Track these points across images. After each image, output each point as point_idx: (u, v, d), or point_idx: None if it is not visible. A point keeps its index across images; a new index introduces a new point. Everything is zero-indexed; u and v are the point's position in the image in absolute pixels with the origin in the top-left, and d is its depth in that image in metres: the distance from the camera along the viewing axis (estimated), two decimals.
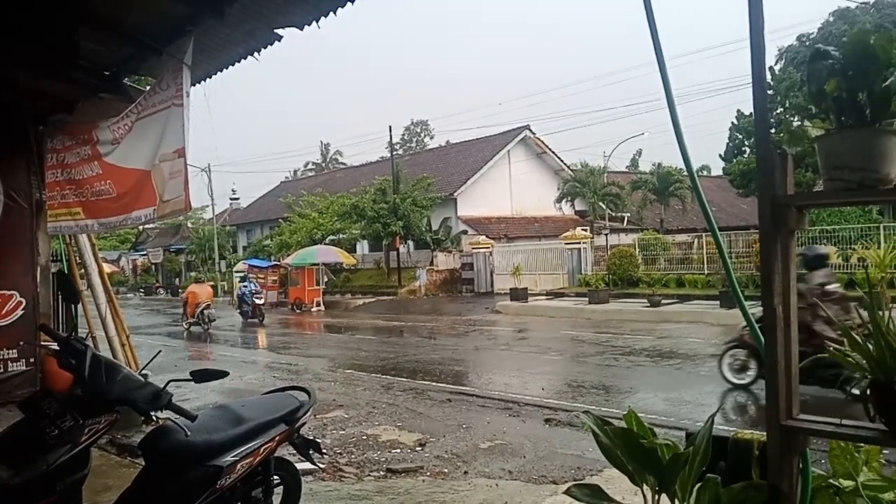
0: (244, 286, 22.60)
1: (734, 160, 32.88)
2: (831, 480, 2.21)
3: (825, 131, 2.11)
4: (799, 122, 2.29)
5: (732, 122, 33.92)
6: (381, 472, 5.56)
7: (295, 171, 65.97)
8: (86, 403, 2.70)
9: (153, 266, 50.69)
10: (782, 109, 28.44)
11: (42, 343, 6.14)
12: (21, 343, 6.32)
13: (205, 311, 18.92)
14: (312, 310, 25.60)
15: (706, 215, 2.49)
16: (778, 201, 2.08)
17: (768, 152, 2.16)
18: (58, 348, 2.95)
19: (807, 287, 7.65)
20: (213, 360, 13.58)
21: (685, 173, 35.22)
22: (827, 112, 2.12)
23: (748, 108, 33.57)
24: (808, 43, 32.79)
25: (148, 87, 5.24)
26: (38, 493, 2.52)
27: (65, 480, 2.60)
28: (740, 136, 33.45)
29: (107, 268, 7.59)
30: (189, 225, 51.16)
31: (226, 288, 36.90)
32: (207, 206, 45.62)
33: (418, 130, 70.81)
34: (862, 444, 2.23)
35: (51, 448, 2.56)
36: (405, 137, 68.91)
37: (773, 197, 2.10)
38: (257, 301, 21.72)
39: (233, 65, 5.49)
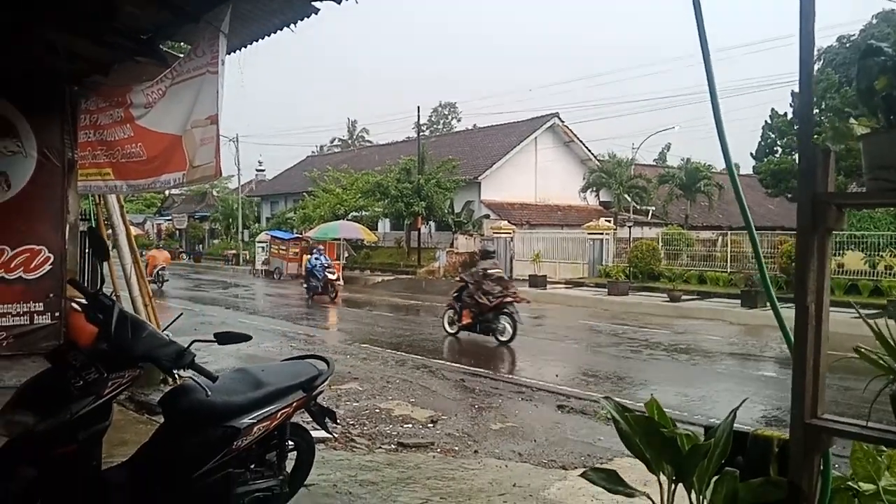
0: (315, 258, 20.29)
1: (765, 159, 32.35)
2: (851, 483, 2.18)
3: (871, 129, 2.06)
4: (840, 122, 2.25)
5: (766, 121, 33.34)
6: (393, 446, 5.61)
7: (321, 147, 66.11)
8: (111, 358, 2.75)
9: (177, 231, 51.29)
10: (818, 111, 27.88)
11: (69, 297, 6.26)
12: (50, 296, 6.44)
13: (160, 272, 21.74)
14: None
15: (744, 214, 2.44)
16: (819, 199, 2.04)
17: (811, 148, 2.12)
18: (86, 302, 2.99)
19: (474, 269, 12.40)
20: (231, 327, 13.74)
21: (714, 170, 34.85)
22: (875, 110, 2.07)
23: (782, 108, 33.04)
24: (848, 45, 32.05)
25: (183, 54, 5.26)
26: (60, 441, 2.57)
27: (87, 430, 2.65)
28: (773, 136, 32.89)
29: (132, 230, 7.70)
30: (215, 193, 51.68)
31: (247, 257, 37.23)
32: (233, 175, 46.05)
33: (446, 112, 70.47)
34: (885, 448, 2.20)
35: (75, 399, 2.60)
36: (432, 119, 68.64)
37: (814, 194, 2.06)
38: (330, 276, 19.69)
39: (268, 35, 5.48)
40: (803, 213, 2.07)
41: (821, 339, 2.07)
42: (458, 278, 13.24)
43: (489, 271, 12.00)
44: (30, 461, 2.56)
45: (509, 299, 11.60)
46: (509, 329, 11.43)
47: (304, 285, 20.36)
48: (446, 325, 12.43)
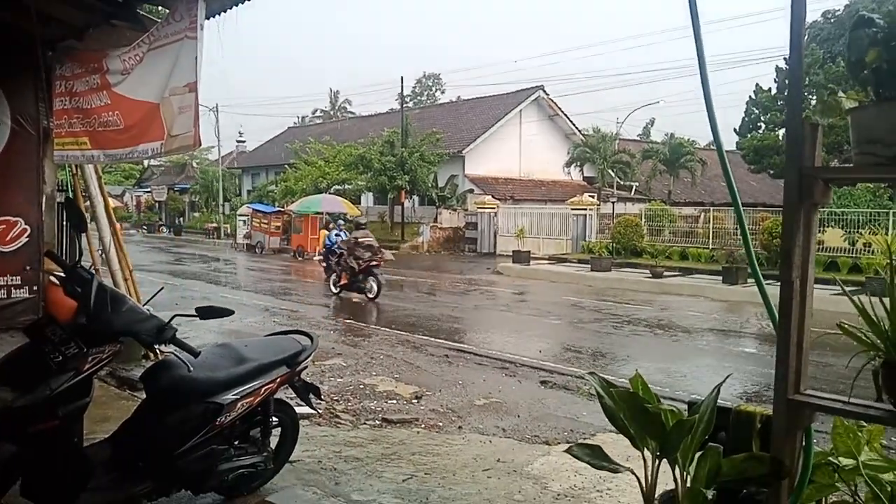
0: (335, 234, 17.24)
1: (749, 135, 32.48)
2: (832, 458, 2.20)
3: (860, 103, 2.05)
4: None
5: (749, 97, 33.42)
6: (377, 422, 5.62)
7: (303, 118, 65.39)
8: (90, 332, 2.70)
9: (157, 204, 50.67)
10: (802, 87, 27.96)
11: (47, 270, 6.15)
12: (27, 269, 6.33)
13: None
14: (314, 258, 25.63)
15: (731, 191, 2.42)
16: (806, 172, 2.03)
17: (799, 122, 2.10)
18: (63, 276, 2.93)
19: (349, 238, 14.97)
20: (212, 302, 13.64)
21: (697, 145, 34.96)
22: (864, 83, 2.05)
23: (766, 83, 33.09)
24: (832, 20, 32.10)
25: (161, 18, 5.12)
26: (40, 417, 2.53)
27: (67, 406, 2.61)
28: (757, 111, 33.00)
29: (111, 202, 7.56)
30: (194, 165, 50.98)
31: (228, 231, 36.93)
32: (214, 147, 45.40)
33: (430, 84, 69.86)
34: (865, 424, 2.23)
35: (54, 374, 2.56)
36: (416, 90, 68.03)
37: (800, 168, 2.05)
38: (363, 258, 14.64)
39: (248, 0, 5.35)
40: (790, 188, 2.06)
41: (805, 314, 2.08)
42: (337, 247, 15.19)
43: (360, 240, 14.29)
44: (8, 437, 2.52)
45: (374, 263, 13.94)
46: (374, 288, 13.79)
47: (323, 264, 16.39)
48: (332, 286, 14.82)
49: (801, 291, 2.06)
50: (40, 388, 2.52)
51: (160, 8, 5.81)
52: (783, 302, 2.06)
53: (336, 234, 17.37)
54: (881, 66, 1.96)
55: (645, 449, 2.17)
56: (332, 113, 66.97)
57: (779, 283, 2.05)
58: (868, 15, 2.02)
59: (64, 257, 6.52)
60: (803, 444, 2.08)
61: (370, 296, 13.77)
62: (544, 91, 35.71)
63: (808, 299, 2.08)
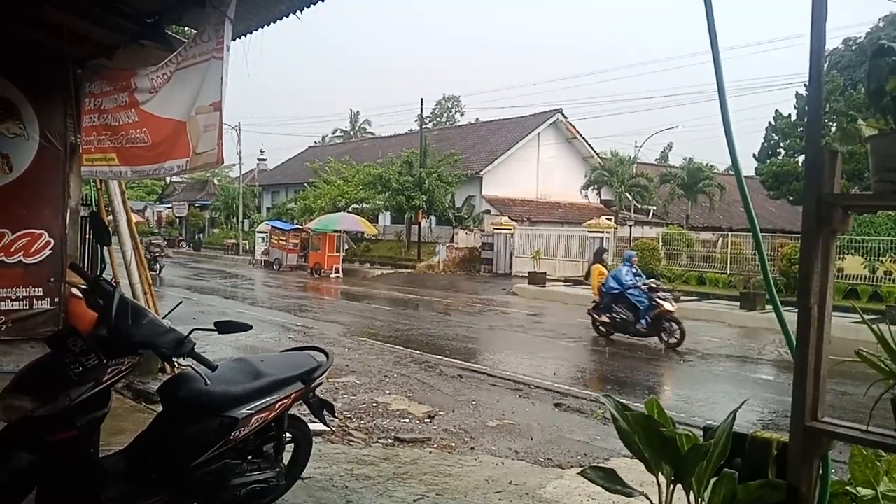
0: (626, 271, 12.86)
1: (768, 161, 32.31)
2: (849, 488, 2.18)
3: (880, 131, 2.05)
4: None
5: (770, 122, 33.28)
6: (389, 440, 5.61)
7: (323, 137, 66.00)
8: (110, 344, 2.74)
9: (178, 219, 51.23)
10: (822, 113, 27.81)
11: (70, 282, 6.25)
12: (50, 280, 6.43)
13: None
14: (331, 276, 25.77)
15: (750, 216, 2.42)
16: (824, 199, 2.03)
17: (818, 149, 2.10)
18: (86, 287, 2.98)
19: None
20: (230, 317, 13.73)
21: (716, 170, 34.80)
22: (884, 111, 2.05)
23: (786, 109, 32.96)
24: (853, 48, 31.99)
25: (189, 39, 5.24)
26: (58, 427, 2.56)
27: (85, 417, 2.64)
28: (776, 137, 32.84)
29: (133, 217, 7.68)
30: (216, 182, 51.60)
31: (247, 247, 37.21)
32: (235, 164, 45.97)
33: (449, 106, 70.31)
34: (884, 454, 2.20)
35: (74, 384, 2.59)
36: (435, 112, 68.53)
37: (819, 195, 2.05)
38: (663, 304, 11.88)
39: (274, 22, 5.47)
40: (808, 215, 2.06)
41: (822, 341, 2.06)
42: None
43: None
44: (28, 446, 2.55)
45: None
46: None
47: (600, 313, 12.76)
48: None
49: (818, 318, 2.05)
50: (60, 398, 2.55)
51: (188, 29, 5.94)
52: (801, 328, 2.06)
53: (627, 273, 12.72)
54: None
55: (660, 473, 2.16)
56: (352, 133, 67.54)
57: (797, 310, 2.04)
58: (888, 44, 2.03)
59: (86, 270, 6.63)
60: (820, 472, 2.06)
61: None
62: (563, 114, 35.82)
63: (825, 326, 2.07)
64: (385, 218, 35.43)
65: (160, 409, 3.20)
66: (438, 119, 67.46)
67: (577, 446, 5.85)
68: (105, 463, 2.91)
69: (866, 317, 2.36)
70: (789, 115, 32.47)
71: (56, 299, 6.51)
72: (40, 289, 6.42)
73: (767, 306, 16.49)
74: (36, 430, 2.55)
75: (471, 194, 32.24)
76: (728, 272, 21.87)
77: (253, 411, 3.12)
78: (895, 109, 2.00)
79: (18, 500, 2.60)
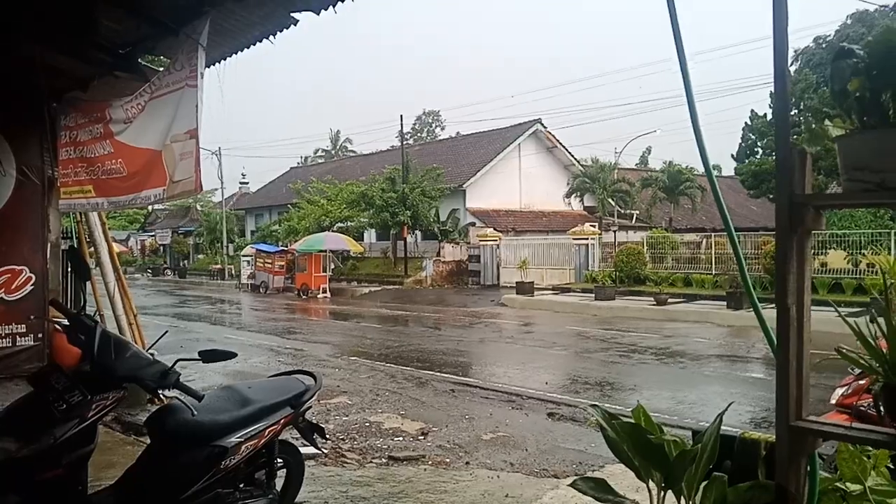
0: None
1: (746, 160, 32.68)
2: (838, 484, 2.19)
3: (846, 131, 2.09)
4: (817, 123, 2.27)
5: (746, 123, 33.69)
6: (384, 460, 5.58)
7: (305, 158, 65.94)
8: (94, 379, 2.71)
9: (161, 247, 50.90)
10: (797, 111, 28.23)
11: (51, 318, 6.18)
12: (31, 317, 6.36)
13: None
14: (319, 296, 25.67)
15: (723, 215, 2.46)
16: (796, 200, 2.06)
17: (788, 150, 2.14)
18: (67, 324, 2.96)
19: None
20: (216, 343, 13.64)
21: (696, 172, 35.13)
22: (849, 111, 2.09)
23: (761, 109, 33.42)
24: (824, 45, 32.48)
25: (163, 68, 5.24)
26: (44, 466, 2.53)
27: (71, 454, 2.61)
28: (753, 137, 33.24)
29: (115, 247, 7.63)
30: (198, 207, 51.33)
31: (232, 272, 37.01)
32: (217, 189, 45.76)
33: (429, 121, 70.59)
34: (871, 449, 2.22)
35: (58, 422, 2.57)
36: (416, 127, 68.75)
37: (791, 196, 2.08)
38: None
39: (248, 47, 5.48)
40: (781, 215, 2.09)
41: (803, 340, 2.09)
42: None
43: None
44: (14, 488, 2.51)
45: None
46: None
47: None
48: None
49: (797, 317, 2.08)
50: (44, 437, 2.52)
51: (161, 58, 5.94)
52: (780, 328, 2.08)
53: None
54: (864, 95, 2.01)
55: (650, 480, 2.16)
56: (333, 152, 67.55)
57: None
58: (848, 46, 2.08)
59: (69, 304, 6.57)
60: (808, 470, 2.07)
61: None
62: (542, 124, 36.08)
63: (805, 325, 2.09)
64: (370, 235, 35.40)
65: (149, 441, 3.17)
66: (419, 134, 67.64)
67: (573, 455, 5.85)
68: (94, 499, 2.88)
69: (853, 309, 2.39)
70: (764, 114, 32.91)
71: (40, 335, 6.45)
72: (23, 325, 6.36)
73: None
74: (21, 471, 2.51)
75: (455, 207, 32.32)
76: (713, 272, 22.02)
77: (242, 439, 3.09)
78: (859, 109, 2.04)
79: None
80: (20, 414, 2.67)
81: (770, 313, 2.30)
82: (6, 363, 6.22)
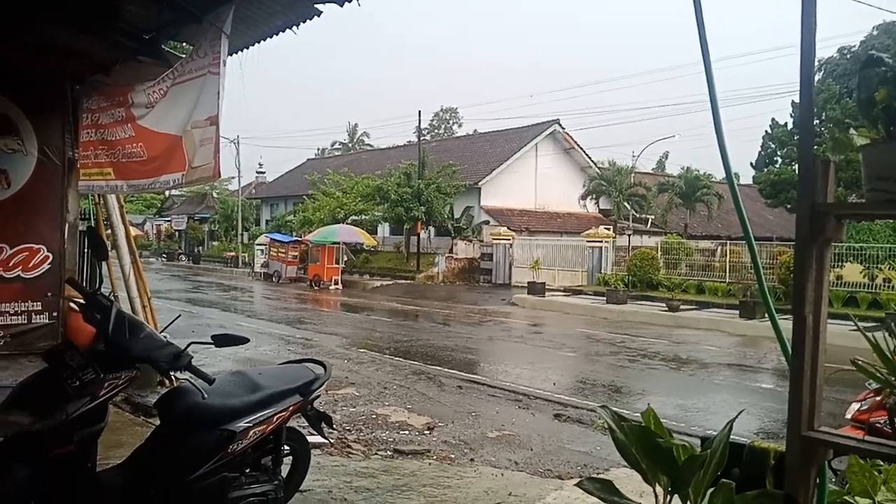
0: None
1: (765, 169, 32.41)
2: (847, 497, 2.17)
3: (871, 140, 2.07)
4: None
5: (766, 131, 33.40)
6: (389, 452, 5.60)
7: (322, 150, 66.13)
8: (107, 358, 2.74)
9: (176, 233, 51.30)
10: (818, 122, 27.95)
11: (67, 297, 6.25)
12: (48, 295, 6.43)
13: None
14: (330, 287, 25.77)
15: (743, 224, 2.44)
16: (818, 209, 2.04)
17: (811, 158, 2.12)
18: (83, 302, 2.98)
19: None
20: (228, 330, 13.72)
21: (714, 179, 34.88)
22: (875, 121, 2.07)
23: (782, 118, 33.10)
24: (848, 56, 32.13)
25: (185, 54, 5.27)
26: (56, 442, 2.55)
27: (82, 431, 2.64)
28: (773, 146, 32.95)
29: (132, 231, 7.68)
30: (215, 195, 51.69)
31: (246, 259, 37.22)
32: (234, 177, 46.07)
33: (447, 117, 70.54)
34: (882, 463, 2.20)
35: (71, 399, 2.59)
36: (433, 123, 68.71)
37: (812, 204, 2.06)
38: None
39: (270, 37, 5.50)
40: (802, 224, 2.07)
41: (818, 350, 2.07)
42: None
43: None
44: (25, 461, 2.54)
45: None
46: None
47: None
48: None
49: (814, 327, 2.06)
50: (57, 412, 2.55)
51: (185, 44, 5.98)
52: (796, 338, 2.06)
53: None
54: (891, 104, 1.98)
55: (657, 484, 2.15)
56: (350, 145, 67.70)
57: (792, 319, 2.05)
58: (877, 55, 2.05)
59: (84, 284, 6.63)
60: (817, 481, 2.05)
61: None
62: (560, 125, 35.95)
63: (821, 335, 2.07)
64: (384, 229, 35.47)
65: (158, 422, 3.19)
66: (437, 131, 67.63)
67: (577, 457, 5.84)
68: (103, 477, 2.90)
69: (866, 324, 2.37)
70: (785, 123, 32.62)
71: (55, 313, 6.52)
72: (39, 303, 6.43)
73: (767, 315, 16.48)
74: (33, 445, 2.54)
75: (469, 205, 32.30)
76: (727, 281, 21.88)
77: (251, 424, 3.11)
78: (886, 119, 2.01)
79: None
80: (34, 389, 2.70)
81: (785, 324, 2.28)
82: (21, 340, 6.30)
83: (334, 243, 26.80)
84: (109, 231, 7.11)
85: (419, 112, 34.53)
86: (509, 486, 4.73)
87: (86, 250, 7.17)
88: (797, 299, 2.06)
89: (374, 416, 6.80)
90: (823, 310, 2.09)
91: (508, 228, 29.83)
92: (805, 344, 2.04)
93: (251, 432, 3.12)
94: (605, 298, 20.40)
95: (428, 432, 6.35)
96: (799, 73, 2.13)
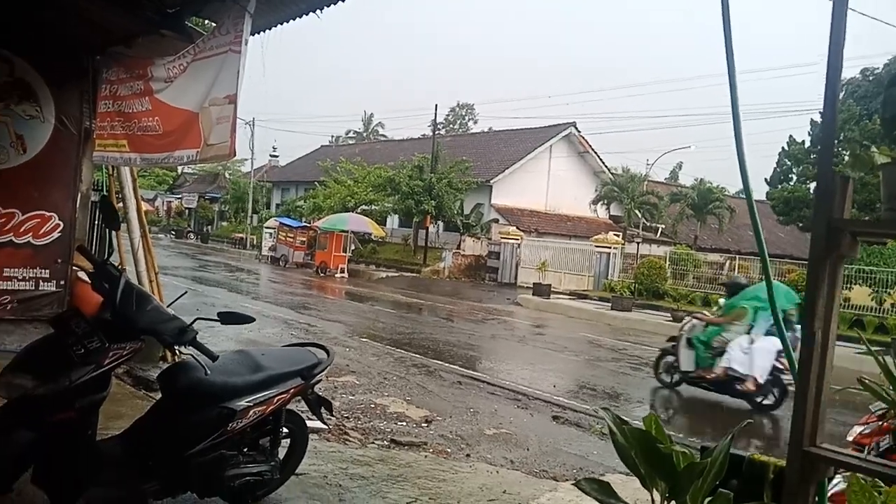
0: None
1: (779, 186, 32.24)
2: None
3: (892, 159, 2.05)
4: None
5: (783, 148, 33.26)
6: (386, 442, 5.60)
7: (336, 137, 66.18)
8: (113, 328, 2.75)
9: (186, 210, 51.51)
10: (836, 142, 27.74)
11: (76, 265, 6.28)
12: (58, 261, 6.46)
13: None
14: (336, 275, 25.82)
15: (759, 240, 2.42)
16: (834, 224, 2.02)
17: (830, 174, 2.10)
18: (93, 271, 3.00)
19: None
20: (233, 310, 13.76)
21: (726, 192, 34.75)
22: None
23: (800, 135, 32.89)
24: (871, 77, 31.90)
25: (207, 31, 5.27)
26: (58, 407, 2.57)
27: (84, 399, 2.65)
28: (789, 163, 32.81)
29: (143, 206, 7.72)
30: (227, 175, 51.83)
31: (254, 242, 37.32)
32: (247, 159, 46.19)
33: (463, 113, 70.46)
34: (882, 484, 2.18)
35: (75, 366, 2.61)
36: (449, 118, 68.66)
37: (829, 219, 2.04)
38: None
39: (294, 19, 5.49)
40: (817, 239, 2.05)
41: (825, 366, 2.05)
42: None
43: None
44: (27, 424, 2.56)
45: None
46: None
47: None
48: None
49: (822, 343, 2.04)
50: (61, 378, 2.57)
51: (207, 21, 5.98)
52: (804, 352, 2.05)
53: None
54: None
55: (654, 490, 2.15)
56: (364, 135, 67.75)
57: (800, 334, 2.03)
58: None
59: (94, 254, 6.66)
60: (816, 498, 2.04)
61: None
62: (576, 128, 35.85)
63: (829, 351, 2.06)
64: (393, 221, 35.51)
65: (159, 396, 3.21)
66: (452, 126, 67.57)
67: (573, 460, 5.83)
68: (102, 446, 2.92)
69: (874, 348, 2.35)
70: (803, 141, 32.44)
71: (62, 282, 6.54)
72: (47, 270, 6.45)
73: (775, 329, 16.39)
74: (36, 409, 2.56)
75: (480, 202, 32.29)
76: None
77: (251, 404, 3.13)
78: None
79: (16, 476, 2.62)
80: (39, 354, 2.72)
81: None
82: (27, 305, 6.33)
83: (343, 231, 26.85)
84: (121, 204, 7.13)
85: (435, 106, 34.52)
86: (504, 484, 4.73)
87: (97, 221, 7.20)
88: (807, 314, 2.05)
89: (372, 406, 6.81)
90: (833, 326, 2.07)
91: (517, 228, 29.80)
92: (812, 359, 2.03)
93: (251, 412, 3.13)
94: (609, 304, 20.35)
95: (425, 425, 6.36)
96: (824, 88, 2.11)
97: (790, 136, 33.07)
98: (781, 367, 8.19)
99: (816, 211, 2.10)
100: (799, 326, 10.19)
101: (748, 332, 8.75)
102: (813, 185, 29.29)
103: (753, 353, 8.38)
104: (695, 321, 9.65)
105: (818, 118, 29.60)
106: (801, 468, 1.99)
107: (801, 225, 31.10)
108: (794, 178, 32.62)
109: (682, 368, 9.11)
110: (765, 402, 8.42)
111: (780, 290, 8.93)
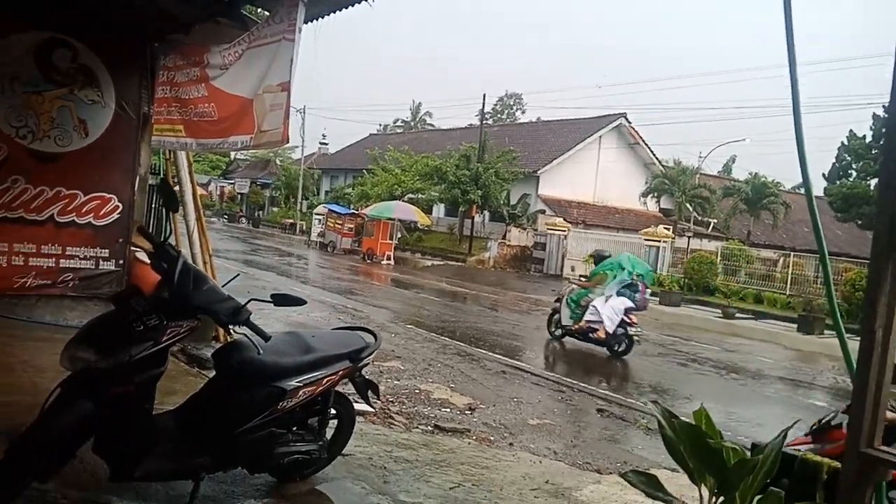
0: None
1: (838, 182, 31.10)
2: None
3: None
4: None
5: (843, 142, 32.00)
6: (430, 427, 5.66)
7: (384, 126, 66.52)
8: (171, 307, 2.84)
9: (239, 195, 52.54)
10: None
11: (135, 245, 6.49)
12: (118, 241, 6.69)
13: None
14: (382, 262, 26.05)
15: (818, 237, 2.36)
16: None
17: (894, 168, 2.02)
18: (152, 252, 3.10)
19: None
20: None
21: (781, 188, 33.71)
22: None
23: (861, 130, 31.63)
24: None
25: (261, 19, 5.35)
26: (117, 381, 2.68)
27: (142, 374, 2.75)
28: (848, 158, 31.55)
29: (198, 190, 7.91)
30: (278, 162, 52.71)
31: (303, 228, 37.90)
32: (297, 146, 46.85)
33: (511, 103, 69.91)
34: None
35: (135, 342, 2.71)
36: (497, 108, 68.20)
37: (892, 215, 1.97)
38: None
39: (347, 7, 5.52)
40: (880, 234, 1.99)
41: (885, 365, 1.99)
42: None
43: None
44: (89, 396, 2.67)
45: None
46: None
47: None
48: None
49: (883, 342, 1.98)
50: (121, 353, 2.67)
51: (260, 10, 6.07)
52: (863, 351, 1.99)
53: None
54: None
55: (703, 485, 2.12)
56: (412, 124, 67.90)
57: (860, 333, 1.98)
58: None
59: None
60: (873, 501, 1.99)
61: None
62: (626, 119, 35.23)
63: (889, 351, 2.00)
64: (439, 210, 35.56)
65: (212, 374, 3.30)
66: (499, 115, 67.14)
67: (618, 453, 5.78)
68: (158, 420, 3.03)
69: None
70: (864, 136, 31.17)
71: (121, 261, 6.77)
72: (107, 250, 6.68)
73: (827, 331, 15.92)
74: (97, 382, 2.67)
75: (526, 193, 32.08)
76: (788, 293, 21.20)
77: (301, 384, 3.19)
78: None
79: (78, 445, 2.74)
80: (101, 329, 2.83)
81: (850, 343, 2.20)
82: (87, 283, 6.57)
83: (389, 219, 27.04)
84: (177, 187, 7.33)
85: (484, 95, 34.43)
86: (546, 474, 4.73)
87: (154, 204, 7.42)
88: (868, 312, 1.99)
89: (417, 391, 6.87)
90: (895, 325, 2.00)
91: (564, 219, 29.51)
92: (872, 358, 1.97)
93: (301, 392, 3.20)
94: (658, 299, 19.99)
95: (469, 412, 6.39)
96: (892, 80, 2.03)
97: (850, 131, 31.77)
98: (629, 321, 10.64)
99: (880, 206, 2.04)
100: (648, 289, 11.61)
101: (604, 294, 10.97)
102: (874, 182, 28.13)
103: (605, 309, 10.67)
104: (573, 286, 12.17)
105: (881, 112, 28.41)
106: (858, 469, 1.94)
107: (859, 222, 29.93)
108: (854, 173, 31.37)
109: (562, 323, 11.49)
110: (619, 349, 10.71)
111: (632, 260, 11.97)
